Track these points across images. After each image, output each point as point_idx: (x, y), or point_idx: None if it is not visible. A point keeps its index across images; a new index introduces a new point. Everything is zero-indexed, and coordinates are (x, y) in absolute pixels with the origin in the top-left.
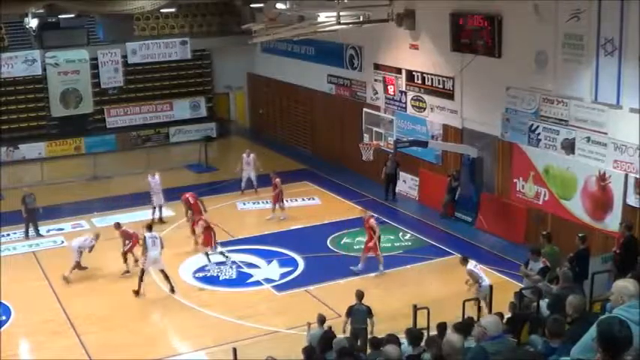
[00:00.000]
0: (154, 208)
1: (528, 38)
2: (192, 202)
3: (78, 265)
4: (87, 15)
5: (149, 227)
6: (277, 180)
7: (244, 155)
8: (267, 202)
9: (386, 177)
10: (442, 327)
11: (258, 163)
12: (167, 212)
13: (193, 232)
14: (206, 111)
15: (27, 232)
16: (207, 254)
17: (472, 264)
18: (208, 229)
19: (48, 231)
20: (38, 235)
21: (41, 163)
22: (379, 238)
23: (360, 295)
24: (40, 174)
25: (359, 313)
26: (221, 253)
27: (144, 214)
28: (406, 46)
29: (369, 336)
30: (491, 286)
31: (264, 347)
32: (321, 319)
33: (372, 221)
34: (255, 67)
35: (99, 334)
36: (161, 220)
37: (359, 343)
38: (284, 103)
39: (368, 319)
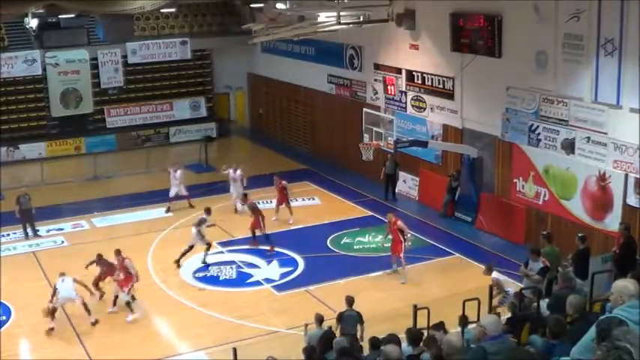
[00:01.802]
0: (171, 199)
1: (528, 38)
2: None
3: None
4: (87, 15)
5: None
6: (284, 182)
7: (230, 170)
8: (267, 203)
9: (385, 177)
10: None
11: (245, 179)
12: (167, 213)
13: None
14: (206, 111)
15: (26, 233)
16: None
17: (496, 272)
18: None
19: (48, 231)
20: (36, 235)
21: (41, 163)
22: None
23: (350, 300)
24: (40, 174)
25: (350, 319)
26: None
27: (144, 214)
28: (406, 46)
29: (359, 342)
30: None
31: (264, 347)
32: (320, 319)
33: (400, 223)
34: (255, 67)
35: (99, 334)
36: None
37: None
38: (284, 103)
39: (358, 325)
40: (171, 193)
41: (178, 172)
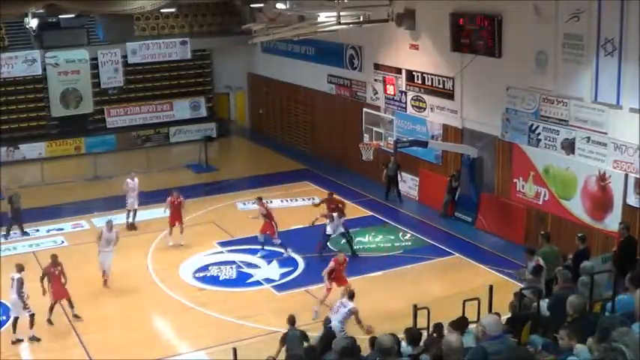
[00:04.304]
0: (129, 211)
1: (528, 38)
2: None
3: None
4: (87, 15)
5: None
6: (181, 199)
7: (104, 231)
8: (270, 202)
9: (387, 178)
10: (439, 327)
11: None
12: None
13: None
14: (206, 111)
15: (8, 233)
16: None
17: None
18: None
19: (48, 231)
20: (6, 236)
21: (41, 163)
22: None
23: (291, 320)
24: (40, 174)
25: (294, 339)
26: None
27: (144, 214)
28: (406, 46)
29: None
30: None
31: (264, 347)
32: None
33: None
34: (255, 67)
35: (99, 334)
36: (133, 226)
37: None
38: (284, 103)
39: (304, 344)
40: (129, 205)
41: (136, 179)
